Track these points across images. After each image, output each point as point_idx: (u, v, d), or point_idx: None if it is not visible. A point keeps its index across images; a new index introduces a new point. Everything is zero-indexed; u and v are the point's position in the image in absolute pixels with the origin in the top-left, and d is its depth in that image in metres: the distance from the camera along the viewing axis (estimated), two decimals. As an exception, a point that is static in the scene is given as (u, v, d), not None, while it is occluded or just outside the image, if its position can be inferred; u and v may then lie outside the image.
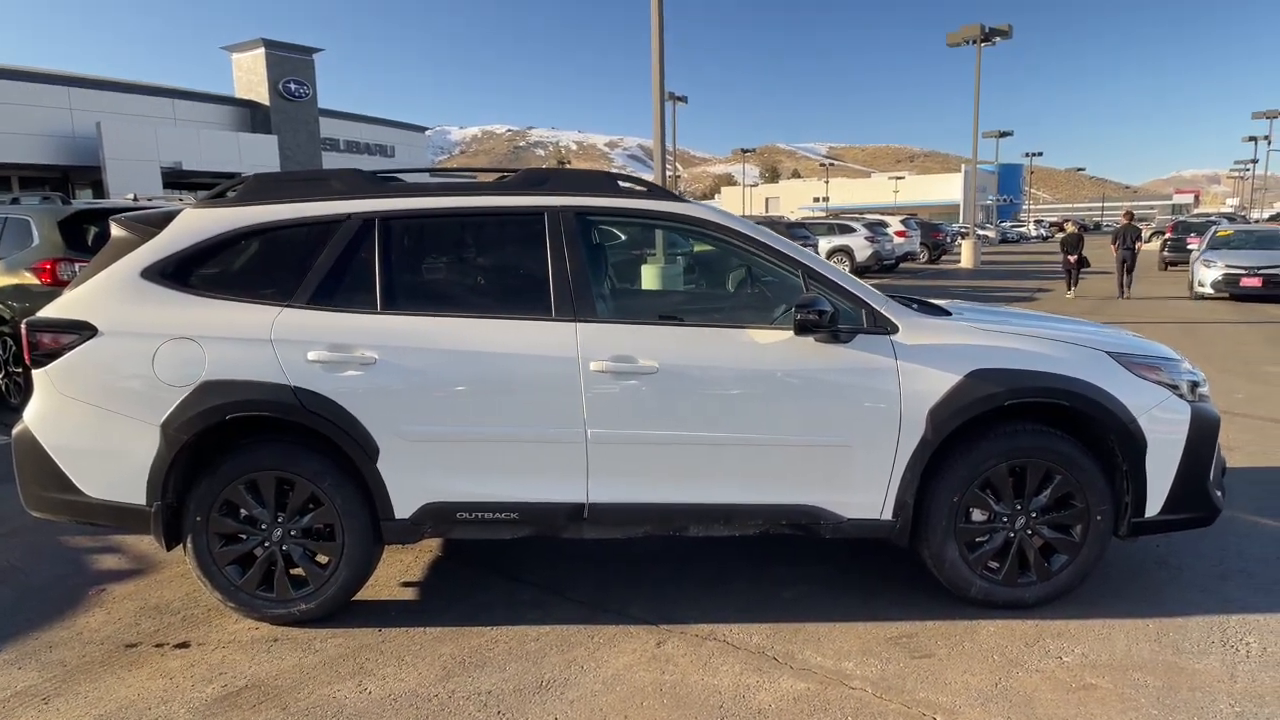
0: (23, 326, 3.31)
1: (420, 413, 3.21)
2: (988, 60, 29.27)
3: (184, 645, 3.21)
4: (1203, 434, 3.32)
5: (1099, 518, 3.29)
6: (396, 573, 3.83)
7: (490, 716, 2.71)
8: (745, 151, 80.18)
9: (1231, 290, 15.31)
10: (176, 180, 27.51)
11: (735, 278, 4.51)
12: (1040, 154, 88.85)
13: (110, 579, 3.82)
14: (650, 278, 5.92)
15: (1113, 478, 3.31)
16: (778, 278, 3.45)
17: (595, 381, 3.17)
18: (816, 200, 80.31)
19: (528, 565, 3.87)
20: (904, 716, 2.67)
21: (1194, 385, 3.39)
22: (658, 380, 3.18)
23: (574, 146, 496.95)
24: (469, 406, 3.22)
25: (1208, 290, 15.55)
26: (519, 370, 3.21)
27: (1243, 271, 15.29)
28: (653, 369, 3.18)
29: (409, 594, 3.64)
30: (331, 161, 35.36)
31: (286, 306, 3.26)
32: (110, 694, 2.87)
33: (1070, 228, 18.49)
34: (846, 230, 24.55)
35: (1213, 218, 29.67)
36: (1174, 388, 3.34)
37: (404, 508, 3.26)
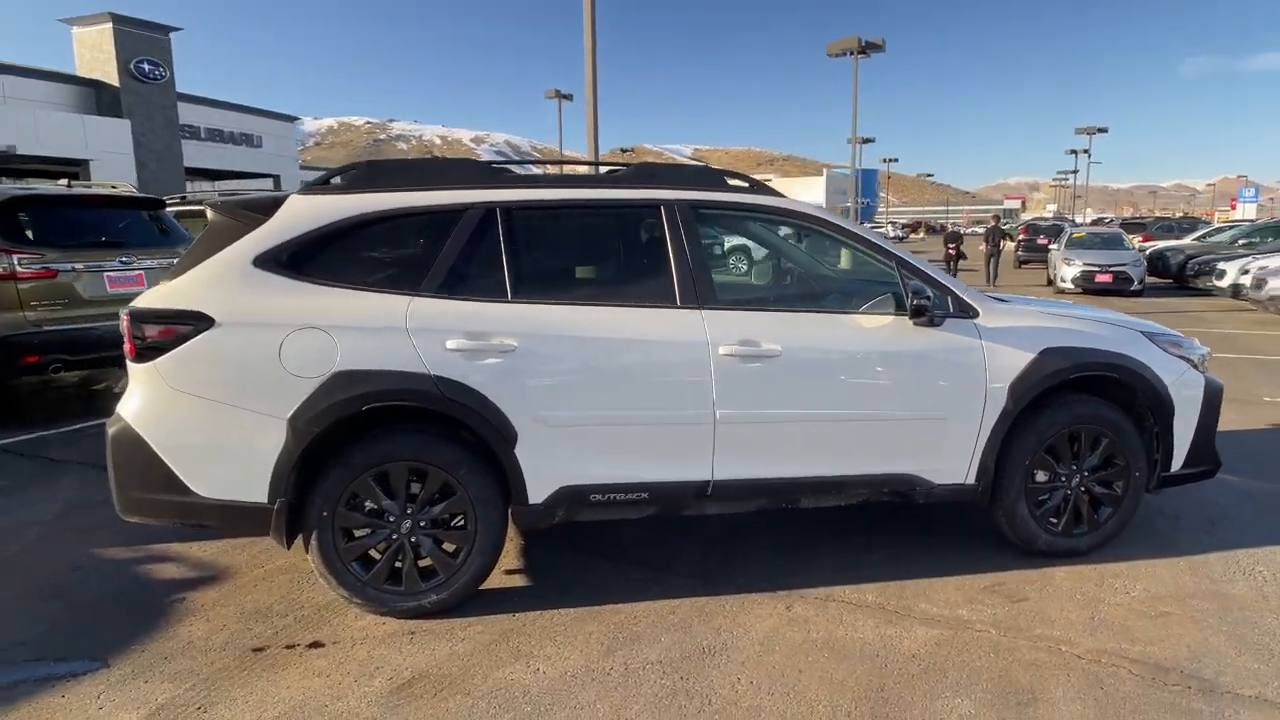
0: (124, 317, 3.10)
1: (558, 398, 3.28)
2: (844, 70, 31.06)
3: (317, 645, 3.12)
4: (1211, 399, 3.91)
5: (1137, 474, 3.81)
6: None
7: (674, 683, 2.85)
8: (625, 151, 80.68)
9: (1086, 285, 17.21)
10: (6, 166, 24.72)
11: (767, 268, 4.78)
12: (896, 160, 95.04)
13: (180, 589, 3.62)
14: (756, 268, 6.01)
15: (1146, 439, 3.84)
16: (871, 267, 3.75)
17: (724, 365, 3.36)
18: None
19: (614, 546, 3.99)
20: (1034, 649, 3.04)
21: (1202, 359, 3.98)
22: (780, 362, 3.41)
23: (439, 141, 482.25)
24: (604, 391, 3.32)
25: (1069, 285, 17.39)
26: (652, 356, 3.34)
27: (1097, 269, 17.23)
28: (776, 352, 3.40)
29: (518, 580, 3.68)
30: (193, 151, 32.81)
31: (416, 295, 3.24)
32: (272, 695, 2.79)
33: (949, 227, 20.48)
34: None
35: (1051, 219, 32.91)
36: (1190, 361, 3.91)
37: (539, 493, 3.32)
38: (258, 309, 3.13)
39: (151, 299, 3.14)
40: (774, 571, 3.72)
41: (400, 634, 3.21)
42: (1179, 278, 18.79)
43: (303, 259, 3.23)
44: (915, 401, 3.55)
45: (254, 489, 3.13)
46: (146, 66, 29.52)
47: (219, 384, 3.10)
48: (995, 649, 3.04)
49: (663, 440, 3.39)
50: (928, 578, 3.65)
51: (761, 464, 3.47)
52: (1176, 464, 3.88)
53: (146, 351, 3.09)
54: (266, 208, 3.31)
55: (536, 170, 3.68)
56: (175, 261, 7.04)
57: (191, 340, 3.07)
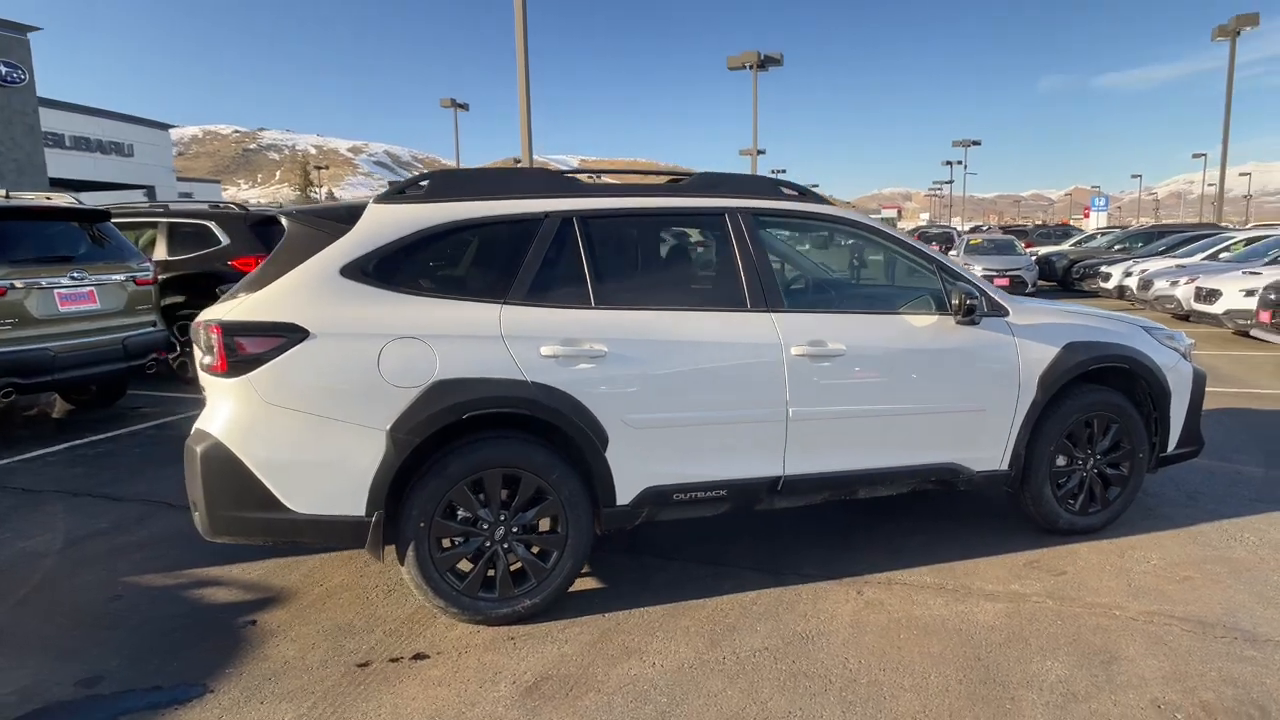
0: (214, 330, 3.00)
1: (645, 401, 3.37)
2: (733, 83, 32.18)
3: (422, 656, 3.10)
4: (1198, 386, 4.40)
5: (1140, 455, 4.24)
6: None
7: (789, 666, 3.00)
8: (517, 161, 79.96)
9: (986, 289, 18.46)
10: None
11: (816, 272, 4.98)
12: (784, 170, 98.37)
13: (244, 612, 3.49)
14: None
15: (1147, 423, 4.27)
16: (915, 270, 4.02)
17: (796, 365, 3.54)
18: None
19: (669, 546, 4.10)
20: (1091, 614, 3.36)
21: (1189, 349, 4.46)
22: (845, 361, 3.62)
23: (313, 150, 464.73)
24: (687, 393, 3.44)
25: (971, 289, 18.59)
26: (730, 357, 3.49)
27: (995, 273, 18.49)
28: (841, 351, 3.61)
29: (591, 584, 3.73)
30: (58, 161, 30.47)
31: (505, 304, 3.27)
32: (403, 707, 2.76)
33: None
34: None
35: (938, 228, 34.93)
36: (1180, 352, 4.38)
37: (625, 494, 3.40)
38: (352, 320, 3.09)
39: (240, 311, 3.05)
40: (830, 561, 3.92)
41: (500, 640, 3.22)
42: (1064, 281, 20.42)
43: (390, 269, 3.21)
44: (959, 395, 3.84)
45: (352, 502, 3.08)
46: (4, 69, 27.20)
47: (316, 397, 3.04)
48: (1059, 617, 3.34)
49: (739, 439, 3.54)
50: (970, 558, 3.94)
51: (827, 459, 3.67)
52: (1171, 445, 4.34)
53: (240, 365, 2.99)
54: (347, 217, 3.26)
55: (590, 179, 3.73)
56: (123, 277, 6.89)
57: (287, 353, 3.00)
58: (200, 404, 3.26)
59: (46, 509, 4.82)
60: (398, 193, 3.41)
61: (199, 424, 3.11)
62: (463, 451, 3.19)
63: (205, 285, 8.42)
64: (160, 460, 5.84)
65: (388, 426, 3.06)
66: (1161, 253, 17.90)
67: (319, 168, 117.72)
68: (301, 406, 3.03)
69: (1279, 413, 7.00)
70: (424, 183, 3.43)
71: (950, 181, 73.28)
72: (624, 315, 3.40)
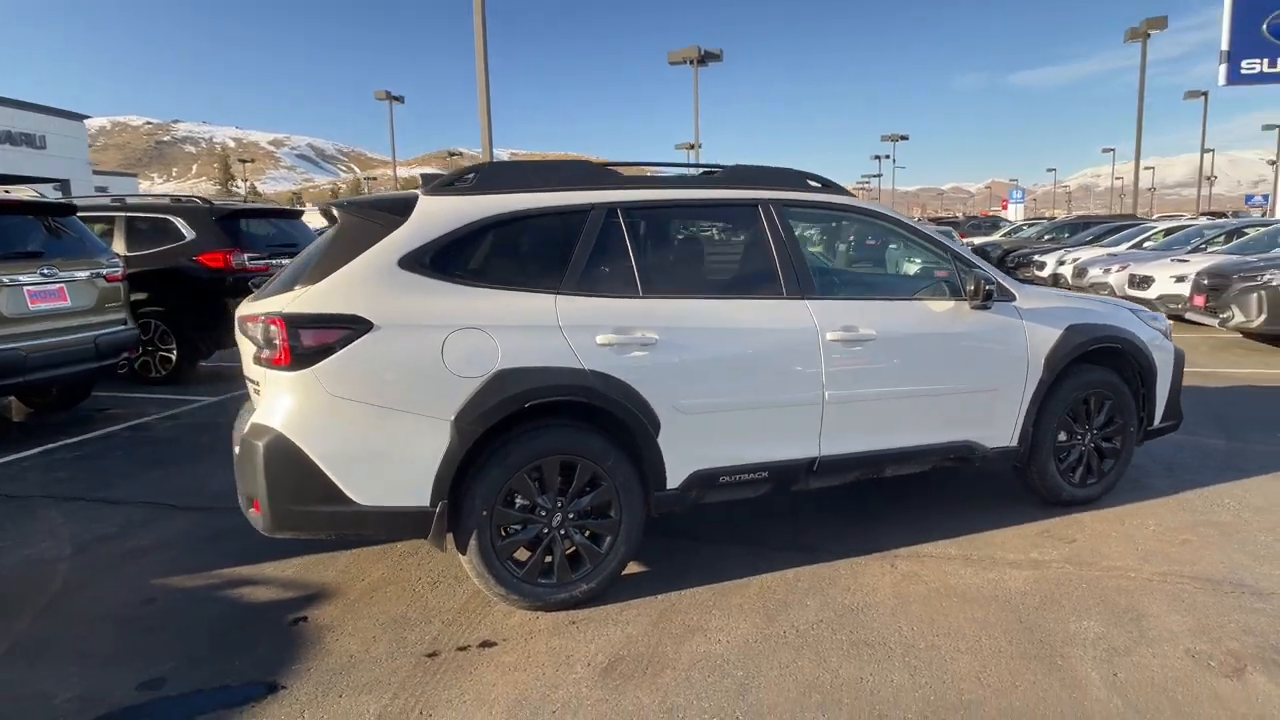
0: (277, 324, 2.95)
1: (694, 387, 3.46)
2: (667, 79, 32.44)
3: (489, 644, 3.12)
4: (1179, 363, 4.72)
5: (1131, 429, 4.53)
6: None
7: (848, 636, 3.14)
8: (452, 154, 78.78)
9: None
10: None
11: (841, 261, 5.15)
12: (720, 168, 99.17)
13: (291, 609, 3.44)
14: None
15: (1136, 399, 4.57)
16: (931, 258, 4.20)
17: (831, 349, 3.68)
18: None
19: (699, 529, 4.20)
20: (1110, 577, 3.60)
21: (1168, 329, 4.78)
22: (875, 346, 3.78)
23: (231, 143, 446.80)
24: (732, 378, 3.54)
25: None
26: (771, 343, 3.60)
27: (937, 264, 19.19)
28: (872, 336, 3.76)
29: (634, 568, 3.79)
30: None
31: (559, 294, 3.31)
32: (486, 694, 2.79)
33: None
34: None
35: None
36: (1162, 332, 4.69)
37: (675, 478, 3.48)
38: (415, 311, 3.09)
39: (302, 303, 3.00)
40: (855, 538, 4.08)
41: (562, 625, 3.26)
42: (998, 269, 21.27)
43: (446, 260, 3.21)
44: (976, 376, 4.05)
45: (416, 493, 3.08)
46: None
47: (381, 388, 3.03)
48: (1082, 581, 3.57)
49: (780, 421, 3.66)
50: (986, 530, 4.15)
51: (859, 439, 3.83)
52: (1156, 419, 4.65)
53: (305, 358, 2.96)
54: (401, 208, 3.25)
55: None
56: (93, 274, 6.63)
57: (351, 345, 2.98)
58: (167, 404, 3.21)
59: (41, 515, 4.63)
60: (446, 185, 3.41)
61: (256, 418, 3.05)
62: (523, 440, 3.22)
63: (170, 282, 8.13)
64: (146, 462, 5.65)
65: (452, 416, 3.07)
66: (1089, 242, 18.86)
67: (242, 161, 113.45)
68: (366, 398, 3.01)
69: (1225, 389, 7.53)
70: (470, 175, 3.44)
71: (879, 175, 75.25)
72: (671, 304, 3.48)
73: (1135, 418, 4.54)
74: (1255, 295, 9.27)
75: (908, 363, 3.88)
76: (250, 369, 3.14)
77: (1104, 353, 4.43)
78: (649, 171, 3.89)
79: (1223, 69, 26.33)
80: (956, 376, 4.00)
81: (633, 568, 3.80)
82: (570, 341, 3.24)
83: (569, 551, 3.38)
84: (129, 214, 8.38)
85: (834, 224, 4.01)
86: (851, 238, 4.89)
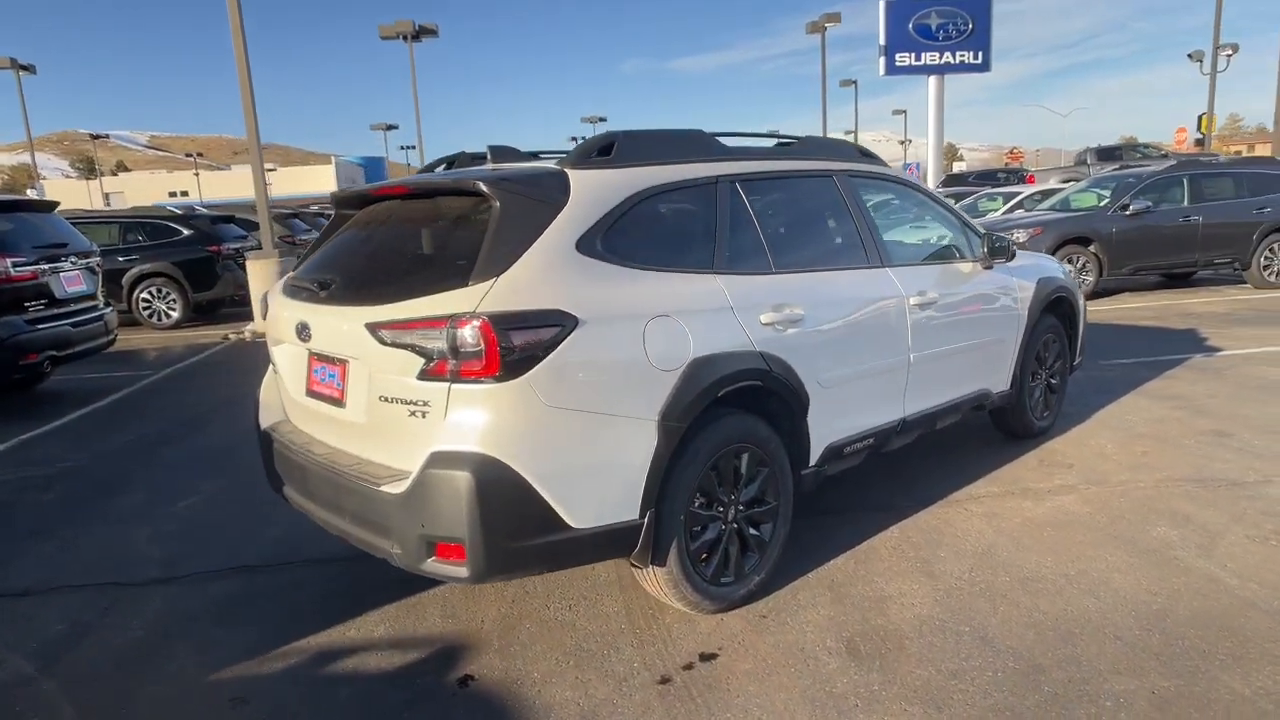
0: (482, 326, 2.41)
1: (831, 361, 3.44)
2: (377, 53, 31.07)
3: (709, 656, 2.88)
4: (1084, 308, 5.61)
5: (1068, 366, 5.32)
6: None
7: (1006, 575, 3.36)
8: (95, 138, 66.78)
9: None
10: None
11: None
12: (413, 147, 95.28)
13: (438, 671, 2.89)
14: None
15: (1069, 340, 5.34)
16: (943, 225, 4.53)
17: (913, 314, 3.87)
18: (175, 195, 71.30)
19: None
20: (1129, 489, 4.23)
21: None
22: (935, 308, 4.03)
23: None
24: (854, 349, 3.58)
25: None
26: (876, 311, 3.70)
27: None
28: (934, 299, 4.01)
29: (755, 552, 3.69)
30: None
31: (717, 273, 3.10)
32: (767, 705, 2.59)
33: None
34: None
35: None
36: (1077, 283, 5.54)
37: (815, 455, 3.46)
38: (611, 301, 2.72)
39: (499, 300, 2.48)
40: (907, 492, 4.32)
41: (755, 620, 3.11)
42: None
43: (613, 241, 2.85)
44: (992, 328, 4.49)
45: (628, 506, 2.74)
46: None
47: (593, 392, 2.63)
48: (1115, 497, 4.15)
49: (883, 387, 3.78)
50: (994, 470, 4.62)
51: (928, 397, 4.07)
52: (1077, 357, 5.49)
53: (516, 365, 2.47)
54: (559, 185, 2.82)
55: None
56: (91, 263, 7.70)
57: (562, 345, 2.55)
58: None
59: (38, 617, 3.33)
60: (585, 157, 3.00)
61: (445, 445, 2.48)
62: (709, 433, 2.98)
63: None
64: (21, 533, 4.28)
65: (657, 415, 2.76)
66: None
67: None
68: (581, 405, 2.60)
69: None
70: (609, 145, 3.05)
71: None
72: (799, 278, 3.42)
73: (1069, 356, 5.33)
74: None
75: (955, 321, 4.19)
76: (418, 386, 2.54)
77: (1055, 301, 5.13)
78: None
79: (882, 61, 30.72)
80: (981, 330, 4.41)
81: (753, 553, 3.70)
82: (742, 323, 3.06)
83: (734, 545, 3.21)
84: None
85: (875, 195, 4.15)
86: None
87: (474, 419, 2.49)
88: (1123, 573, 3.35)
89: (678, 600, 3.03)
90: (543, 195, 2.76)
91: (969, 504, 4.15)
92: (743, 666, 2.81)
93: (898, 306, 3.79)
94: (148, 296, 12.16)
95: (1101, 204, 11.13)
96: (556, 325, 2.55)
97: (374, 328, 2.62)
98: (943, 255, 4.35)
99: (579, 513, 2.62)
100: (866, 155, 4.21)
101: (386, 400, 2.65)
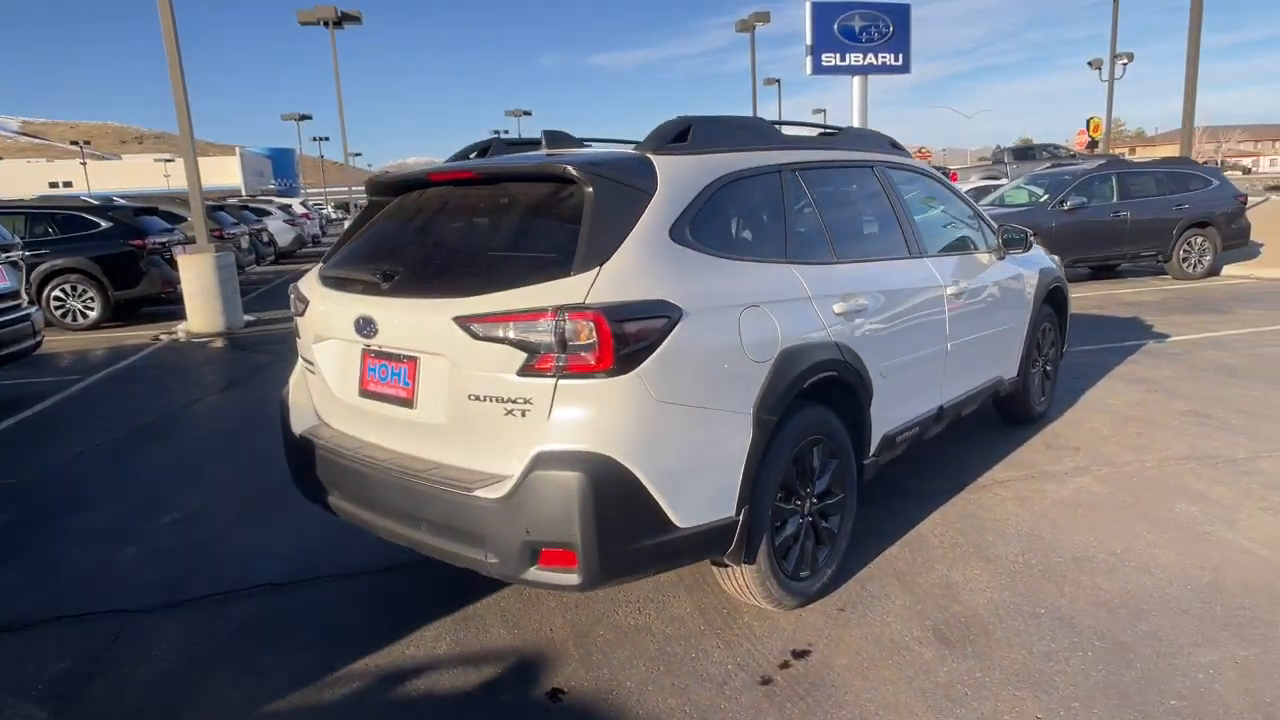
0: (595, 319, 2.26)
1: (890, 351, 3.43)
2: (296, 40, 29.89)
3: (802, 654, 2.82)
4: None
5: (1059, 353, 5.49)
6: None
7: (1058, 556, 3.42)
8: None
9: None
10: None
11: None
12: (327, 139, 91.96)
13: (521, 685, 2.73)
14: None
15: (1060, 327, 5.51)
16: (956, 216, 4.58)
17: (949, 302, 3.90)
18: (57, 186, 65.97)
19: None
20: (1137, 470, 4.39)
21: (1056, 270, 5.83)
22: (967, 297, 4.08)
23: None
24: (907, 338, 3.58)
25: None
26: (921, 301, 3.71)
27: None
28: (967, 289, 4.06)
29: (806, 545, 3.65)
30: None
31: (789, 262, 3.04)
32: (882, 700, 2.54)
33: None
34: (262, 214, 22.74)
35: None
36: (1058, 272, 5.72)
37: (873, 445, 3.44)
38: (709, 291, 2.62)
39: (606, 291, 2.33)
40: (935, 479, 4.37)
41: (833, 612, 3.07)
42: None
43: (700, 229, 2.75)
44: (1008, 317, 4.59)
45: (725, 503, 2.64)
46: None
47: (696, 385, 2.52)
48: (1129, 477, 4.30)
49: (927, 376, 3.80)
50: (1007, 456, 4.74)
51: (960, 385, 4.13)
52: (1068, 344, 5.68)
53: (628, 358, 2.33)
54: (646, 170, 2.70)
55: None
56: (13, 257, 7.05)
57: (669, 337, 2.43)
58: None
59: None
60: (663, 143, 2.88)
61: (552, 444, 2.32)
62: (793, 425, 2.91)
63: None
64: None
65: (752, 408, 2.67)
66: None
67: None
68: (685, 399, 2.48)
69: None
70: (686, 131, 2.93)
71: None
72: (859, 268, 3.39)
73: (1060, 343, 5.51)
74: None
75: (981, 311, 4.26)
76: (519, 382, 2.37)
77: (1053, 290, 5.28)
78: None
79: (809, 61, 31.45)
80: (1001, 319, 4.50)
81: (805, 546, 3.66)
82: (819, 312, 3.01)
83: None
84: None
85: (907, 186, 4.15)
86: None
87: (584, 416, 2.34)
88: (1163, 548, 3.46)
89: (763, 598, 2.95)
90: (634, 182, 2.62)
91: (995, 489, 4.22)
92: (840, 661, 2.76)
93: (938, 296, 3.81)
94: (61, 295, 11.25)
95: (1039, 201, 11.63)
96: (664, 316, 2.43)
97: (465, 321, 2.43)
98: (966, 245, 4.41)
99: (684, 511, 2.51)
100: (896, 147, 4.23)
101: (477, 399, 2.46)
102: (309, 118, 60.49)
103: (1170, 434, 4.94)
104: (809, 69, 31.73)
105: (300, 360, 3.29)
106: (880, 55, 30.44)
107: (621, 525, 2.37)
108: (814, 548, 3.13)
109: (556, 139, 3.23)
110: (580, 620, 3.10)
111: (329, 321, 2.95)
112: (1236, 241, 11.87)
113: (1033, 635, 2.86)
